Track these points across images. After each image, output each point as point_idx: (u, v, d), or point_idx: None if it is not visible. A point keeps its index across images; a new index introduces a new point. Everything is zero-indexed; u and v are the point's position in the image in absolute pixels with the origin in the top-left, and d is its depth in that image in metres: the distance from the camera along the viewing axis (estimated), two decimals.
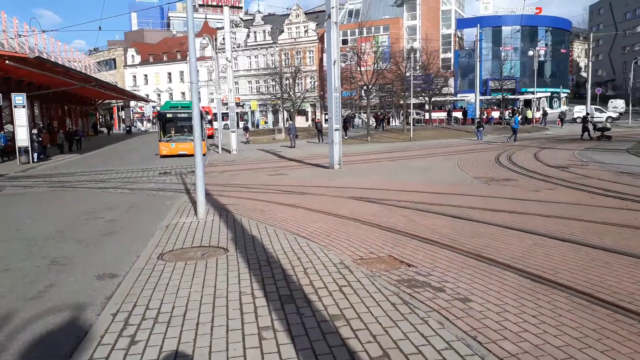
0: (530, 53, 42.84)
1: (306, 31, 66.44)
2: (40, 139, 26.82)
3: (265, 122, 67.88)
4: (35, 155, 26.46)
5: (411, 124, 33.17)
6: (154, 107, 66.16)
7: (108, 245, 7.68)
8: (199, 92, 8.09)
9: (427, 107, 46.71)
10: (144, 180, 17.90)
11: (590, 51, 51.68)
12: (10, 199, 14.29)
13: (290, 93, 45.05)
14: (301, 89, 50.48)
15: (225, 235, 7.47)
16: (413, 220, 8.57)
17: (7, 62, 23.23)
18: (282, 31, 68.47)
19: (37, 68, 26.96)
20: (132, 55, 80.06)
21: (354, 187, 13.50)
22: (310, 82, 61.61)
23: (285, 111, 57.36)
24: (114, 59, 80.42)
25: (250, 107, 63.79)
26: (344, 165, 18.98)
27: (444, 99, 47.70)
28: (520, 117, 43.64)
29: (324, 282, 5.08)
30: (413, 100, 40.36)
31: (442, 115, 47.68)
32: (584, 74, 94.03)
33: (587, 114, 33.89)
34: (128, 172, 20.64)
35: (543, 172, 15.62)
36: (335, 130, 18.74)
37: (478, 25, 38.68)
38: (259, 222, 8.52)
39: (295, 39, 66.21)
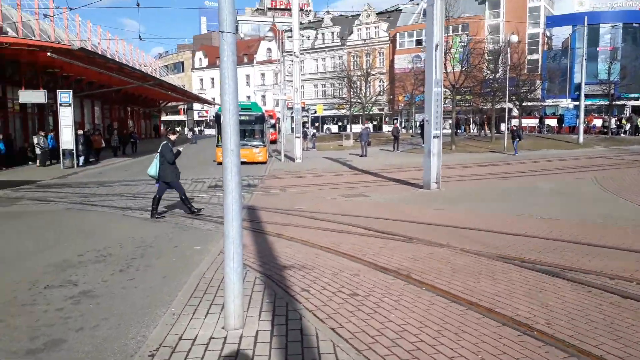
0: None
1: (377, 32, 61.30)
2: (82, 141, 23.37)
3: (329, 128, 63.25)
4: (82, 159, 23.14)
5: (506, 132, 27.33)
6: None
7: None
8: (235, 46, 3.03)
9: (514, 112, 40.23)
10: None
11: None
12: (4, 222, 10.32)
13: (361, 96, 40.04)
14: (370, 93, 45.33)
15: None
16: None
17: (49, 54, 19.88)
18: (352, 32, 63.73)
19: (87, 63, 23.67)
20: (200, 59, 78.10)
21: (486, 228, 8.34)
22: (380, 85, 56.32)
23: (351, 116, 52.55)
24: (182, 62, 78.74)
25: (315, 112, 59.34)
26: (442, 183, 13.84)
27: (533, 104, 40.98)
28: (629, 126, 36.55)
29: None
30: (499, 106, 34.35)
31: (532, 122, 41.04)
32: None
33: None
34: None
35: None
36: (435, 137, 13.63)
37: (586, 18, 31.99)
38: None
39: (365, 40, 61.15)
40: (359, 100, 40.46)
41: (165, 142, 10.18)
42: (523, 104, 37.46)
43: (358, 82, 41.66)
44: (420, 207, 11.09)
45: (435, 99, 13.51)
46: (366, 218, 9.59)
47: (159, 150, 10.14)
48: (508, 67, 28.24)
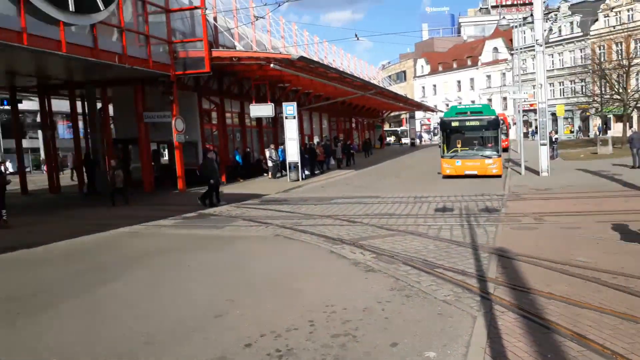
0: None
1: (631, 15, 48.74)
2: (307, 155, 22.42)
3: (571, 131, 53.02)
4: (304, 171, 22.25)
5: None
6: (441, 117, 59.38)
7: None
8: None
9: None
10: (410, 224, 10.51)
11: None
12: (199, 254, 8.69)
13: (620, 91, 31.27)
14: (631, 86, 35.37)
15: None
16: None
17: (272, 65, 19.23)
18: (596, 19, 52.33)
19: (308, 73, 22.79)
20: (422, 66, 75.21)
21: None
22: (637, 78, 44.40)
23: (598, 117, 42.53)
24: (404, 71, 76.98)
25: (555, 113, 50.26)
26: None
27: None
28: None
29: None
30: None
31: None
32: None
33: None
34: (393, 203, 13.77)
35: None
36: None
37: None
38: None
39: (614, 26, 49.31)
40: (617, 97, 31.69)
41: None
42: None
43: (614, 75, 32.79)
44: None
45: None
46: None
47: None
48: None
